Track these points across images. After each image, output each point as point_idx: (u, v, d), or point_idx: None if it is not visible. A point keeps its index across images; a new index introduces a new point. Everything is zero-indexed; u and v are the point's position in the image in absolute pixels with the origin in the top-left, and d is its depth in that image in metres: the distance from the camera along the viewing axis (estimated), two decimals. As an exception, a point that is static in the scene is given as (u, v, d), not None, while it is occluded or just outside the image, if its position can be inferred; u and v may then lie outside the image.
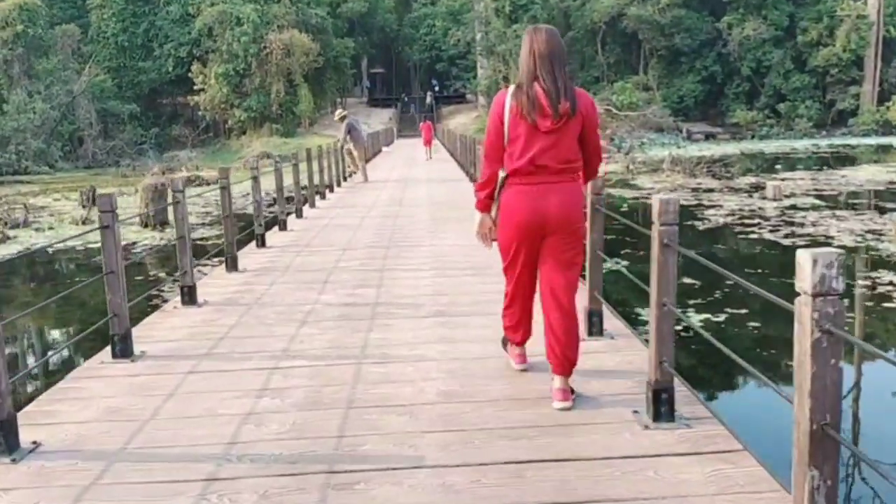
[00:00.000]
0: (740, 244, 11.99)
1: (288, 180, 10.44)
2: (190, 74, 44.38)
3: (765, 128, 45.38)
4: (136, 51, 48.03)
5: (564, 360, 3.20)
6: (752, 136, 44.43)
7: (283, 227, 8.82)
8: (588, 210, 3.95)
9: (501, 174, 3.26)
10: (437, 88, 56.79)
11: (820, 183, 20.37)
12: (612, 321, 4.41)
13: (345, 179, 16.39)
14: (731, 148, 37.26)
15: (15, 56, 40.31)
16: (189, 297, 5.03)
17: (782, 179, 21.30)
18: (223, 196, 6.17)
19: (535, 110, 3.09)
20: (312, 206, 11.23)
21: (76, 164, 40.02)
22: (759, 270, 10.14)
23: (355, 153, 16.20)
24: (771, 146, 38.68)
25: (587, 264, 4.04)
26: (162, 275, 11.14)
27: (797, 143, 39.79)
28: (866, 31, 44.28)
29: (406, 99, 58.81)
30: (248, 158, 34.27)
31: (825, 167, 25.70)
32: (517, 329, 3.55)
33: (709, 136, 45.08)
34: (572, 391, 3.26)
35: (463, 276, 5.76)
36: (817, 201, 16.67)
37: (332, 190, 13.80)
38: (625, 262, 10.33)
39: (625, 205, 17.23)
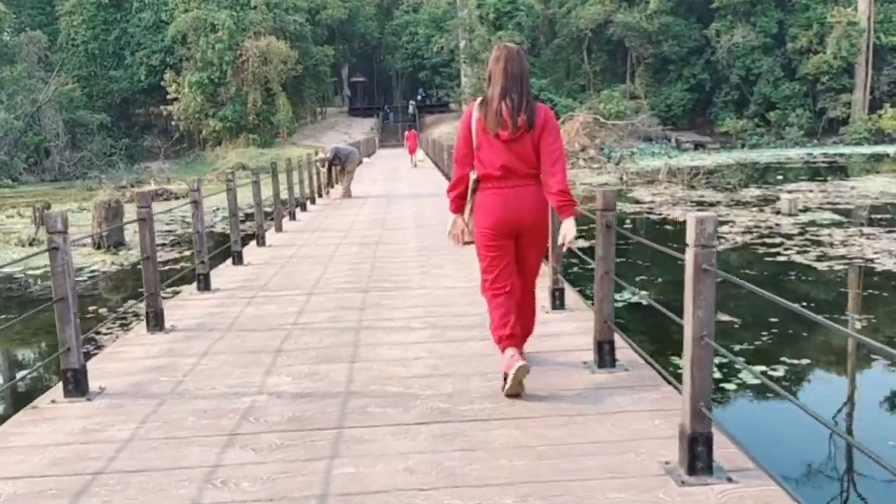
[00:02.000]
0: (769, 268, 10.55)
1: (251, 198, 8.83)
2: (163, 83, 42.60)
3: (755, 137, 44.39)
4: (107, 59, 46.20)
5: (521, 332, 3.58)
6: (742, 146, 43.43)
7: (238, 260, 7.14)
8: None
9: (472, 176, 3.57)
10: (419, 97, 55.34)
11: (831, 195, 19.07)
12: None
13: (320, 196, 14.77)
14: (723, 157, 36.16)
15: (-24, 64, 38.36)
16: (75, 384, 3.42)
17: (790, 192, 20.02)
18: (142, 230, 4.57)
19: (498, 124, 3.42)
20: (279, 229, 9.60)
21: (42, 177, 38.07)
22: (811, 304, 8.69)
23: (347, 168, 14.94)
24: (764, 155, 37.62)
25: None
26: (104, 310, 9.50)
27: (790, 152, 38.78)
28: (857, 39, 43.41)
29: (388, 108, 57.32)
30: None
31: (828, 177, 24.50)
32: (509, 332, 3.49)
33: (698, 146, 44.01)
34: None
35: (470, 342, 4.20)
36: (836, 216, 15.34)
37: (304, 208, 12.16)
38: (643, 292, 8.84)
39: (627, 220, 15.80)
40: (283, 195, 11.59)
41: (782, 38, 46.51)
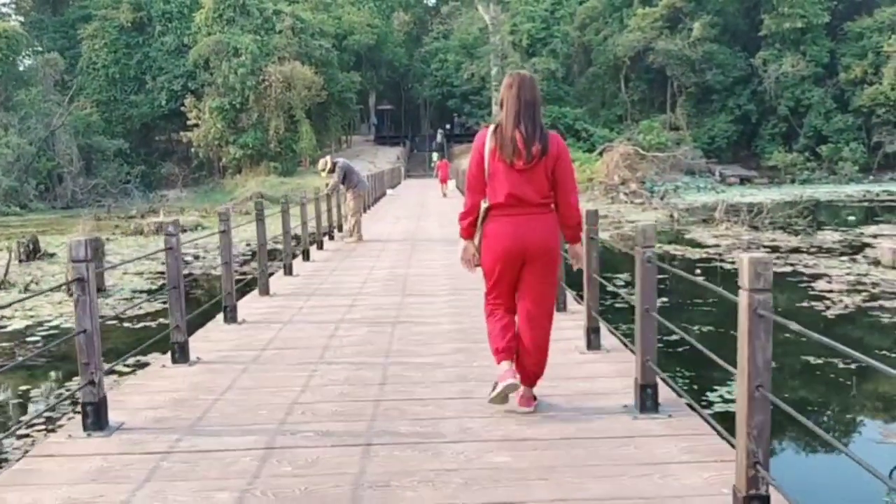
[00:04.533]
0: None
1: (254, 237, 6.42)
2: (183, 108, 41.00)
3: (805, 171, 41.65)
4: (127, 83, 44.90)
5: (531, 374, 3.65)
6: (792, 181, 40.72)
7: (181, 355, 4.62)
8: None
9: (483, 205, 3.60)
10: (448, 126, 53.30)
11: (927, 241, 16.37)
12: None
13: (331, 238, 12.36)
14: (774, 193, 33.48)
15: (-10, 86, 37.05)
16: None
17: (875, 236, 17.39)
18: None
19: (513, 153, 3.46)
20: (265, 292, 7.12)
21: (53, 205, 36.44)
22: None
23: (352, 204, 12.04)
24: (819, 192, 34.90)
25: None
26: (45, 392, 7.20)
27: (846, 189, 36.00)
28: (916, 69, 40.63)
29: (416, 138, 55.37)
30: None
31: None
32: (503, 351, 3.65)
33: (744, 180, 41.42)
34: (534, 398, 3.72)
35: None
36: (953, 270, 12.69)
37: (307, 257, 9.78)
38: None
39: (696, 269, 13.28)
40: (289, 232, 9.25)
41: (834, 67, 43.93)
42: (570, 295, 6.17)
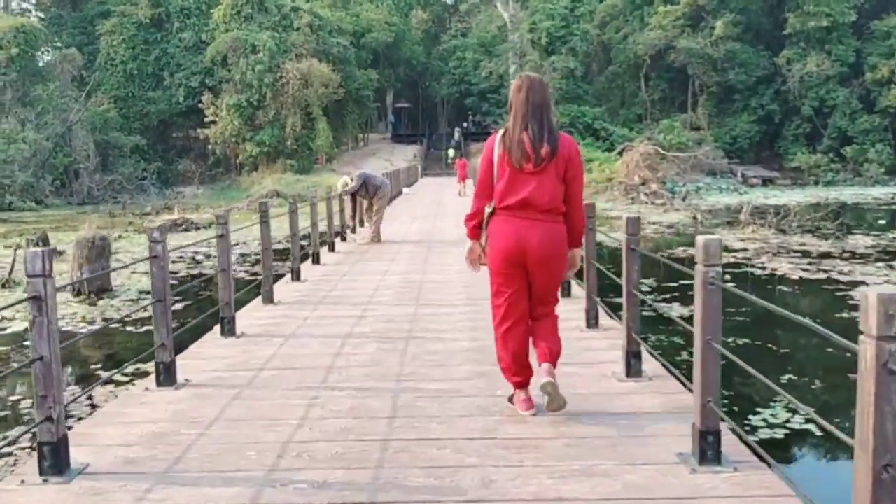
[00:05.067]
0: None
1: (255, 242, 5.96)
2: (201, 105, 40.81)
3: (829, 173, 40.72)
4: (145, 80, 44.78)
5: (549, 351, 3.53)
6: (816, 182, 39.79)
7: (166, 377, 4.11)
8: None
9: (488, 209, 3.59)
10: (465, 125, 52.78)
11: (965, 247, 15.70)
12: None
13: (343, 239, 11.92)
14: (798, 195, 32.66)
15: (8, 82, 36.93)
16: None
17: (909, 241, 16.72)
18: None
19: (522, 156, 3.39)
20: (269, 300, 6.60)
21: (69, 200, 36.32)
22: None
23: (376, 206, 11.82)
24: (844, 194, 34.03)
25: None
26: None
27: (872, 191, 35.10)
28: (946, 69, 39.61)
29: (433, 136, 54.90)
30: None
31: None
32: (514, 367, 3.60)
33: (766, 181, 40.53)
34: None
35: None
36: None
37: (316, 260, 9.29)
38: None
39: (726, 275, 12.69)
40: (296, 235, 8.81)
41: (860, 67, 42.94)
42: (601, 309, 5.64)
